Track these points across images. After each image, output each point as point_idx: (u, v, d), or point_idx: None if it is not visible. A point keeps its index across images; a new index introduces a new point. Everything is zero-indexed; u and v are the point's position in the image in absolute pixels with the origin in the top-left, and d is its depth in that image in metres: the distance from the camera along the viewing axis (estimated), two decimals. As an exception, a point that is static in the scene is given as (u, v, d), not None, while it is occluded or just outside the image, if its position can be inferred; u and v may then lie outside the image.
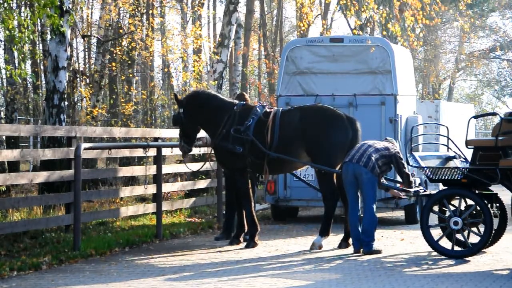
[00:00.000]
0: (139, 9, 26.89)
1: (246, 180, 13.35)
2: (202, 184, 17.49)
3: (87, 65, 33.82)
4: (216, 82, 20.38)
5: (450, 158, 13.02)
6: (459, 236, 12.19)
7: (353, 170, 12.34)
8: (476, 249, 12.01)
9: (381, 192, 15.95)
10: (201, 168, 14.74)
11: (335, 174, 13.03)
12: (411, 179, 12.60)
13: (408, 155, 12.89)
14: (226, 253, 12.69)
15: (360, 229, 12.37)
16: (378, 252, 12.38)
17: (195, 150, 17.84)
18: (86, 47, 34.59)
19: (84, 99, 27.59)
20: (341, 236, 13.34)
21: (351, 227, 12.50)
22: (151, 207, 15.29)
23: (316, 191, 14.67)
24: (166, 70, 34.69)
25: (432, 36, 42.61)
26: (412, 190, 12.82)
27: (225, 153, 13.29)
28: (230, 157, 13.25)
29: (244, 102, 13.72)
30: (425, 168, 12.37)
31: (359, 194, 12.52)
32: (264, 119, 13.20)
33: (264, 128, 13.10)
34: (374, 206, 12.34)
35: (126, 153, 15.43)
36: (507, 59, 51.62)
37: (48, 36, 20.75)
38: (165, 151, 15.45)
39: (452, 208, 12.23)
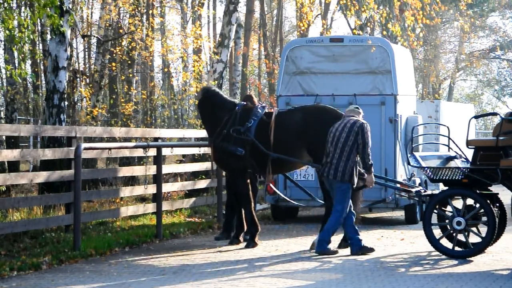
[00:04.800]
0: (139, 9, 26.87)
1: (245, 180, 13.34)
2: (202, 184, 17.49)
3: (87, 65, 33.81)
4: (216, 82, 20.37)
5: (450, 158, 13.01)
6: (459, 236, 12.19)
7: (329, 184, 12.39)
8: (478, 249, 12.00)
9: (381, 192, 15.98)
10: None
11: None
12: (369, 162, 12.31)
13: (408, 155, 12.88)
14: (226, 253, 12.68)
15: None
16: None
17: (195, 150, 17.98)
18: (86, 47, 34.58)
19: (84, 99, 27.60)
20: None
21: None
22: (151, 207, 15.29)
23: (314, 191, 14.72)
24: (166, 70, 34.70)
25: (432, 36, 42.63)
26: (413, 190, 12.83)
27: (224, 153, 13.28)
28: (230, 158, 13.24)
29: (245, 103, 13.68)
30: (426, 168, 12.36)
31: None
32: (266, 120, 13.19)
33: (267, 129, 13.08)
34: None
35: (126, 153, 15.42)
36: (507, 59, 51.62)
37: (48, 36, 20.75)
38: (165, 151, 15.45)
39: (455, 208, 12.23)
